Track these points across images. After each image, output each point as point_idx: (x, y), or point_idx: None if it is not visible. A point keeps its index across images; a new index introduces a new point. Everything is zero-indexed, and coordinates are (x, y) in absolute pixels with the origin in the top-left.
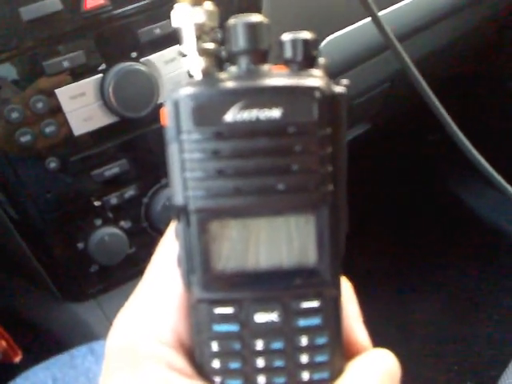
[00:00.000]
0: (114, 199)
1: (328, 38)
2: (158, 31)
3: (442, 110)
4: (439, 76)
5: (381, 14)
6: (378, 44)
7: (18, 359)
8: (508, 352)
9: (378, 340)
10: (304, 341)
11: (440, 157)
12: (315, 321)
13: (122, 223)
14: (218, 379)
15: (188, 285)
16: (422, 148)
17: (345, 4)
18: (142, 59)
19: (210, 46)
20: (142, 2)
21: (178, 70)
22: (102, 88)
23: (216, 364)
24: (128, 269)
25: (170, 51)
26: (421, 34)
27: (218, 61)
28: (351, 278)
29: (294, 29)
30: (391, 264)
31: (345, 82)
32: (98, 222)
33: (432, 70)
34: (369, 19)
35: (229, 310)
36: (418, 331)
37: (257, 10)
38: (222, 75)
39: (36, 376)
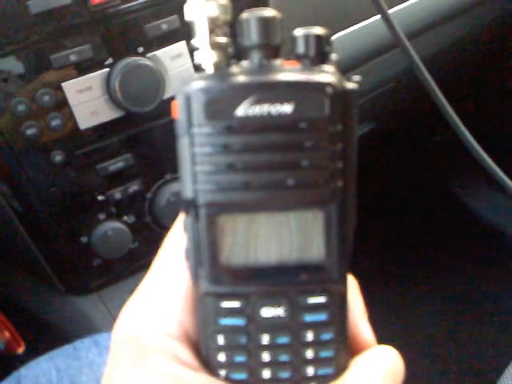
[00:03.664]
0: (117, 194)
1: (334, 37)
2: (164, 27)
3: (449, 109)
4: (446, 75)
5: (389, 11)
6: (384, 43)
7: (20, 350)
8: (508, 354)
9: (377, 340)
10: (310, 336)
11: (442, 158)
12: (321, 316)
13: (126, 218)
14: (223, 372)
15: (195, 278)
16: (425, 149)
17: (351, 2)
18: (149, 54)
19: (223, 39)
20: None
21: (184, 65)
22: (108, 82)
23: (221, 357)
24: (130, 263)
25: (177, 47)
26: (429, 33)
27: (230, 55)
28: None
29: (301, 25)
30: (391, 265)
31: (356, 78)
32: (102, 216)
33: (439, 69)
34: (375, 18)
35: (236, 304)
36: (417, 332)
37: (263, 6)
38: (234, 69)
39: (40, 367)
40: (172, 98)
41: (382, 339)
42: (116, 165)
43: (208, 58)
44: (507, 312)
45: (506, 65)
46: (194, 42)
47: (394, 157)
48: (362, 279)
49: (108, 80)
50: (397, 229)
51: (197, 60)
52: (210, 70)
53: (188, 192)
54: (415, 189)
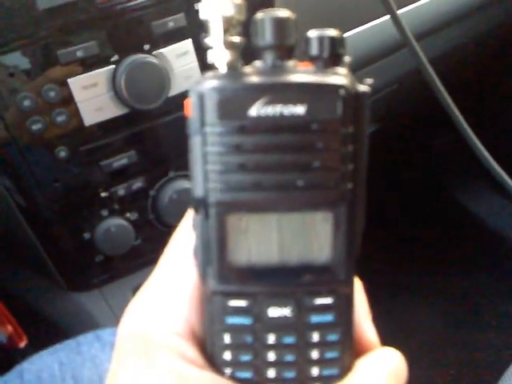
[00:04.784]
0: (121, 190)
1: None
2: (171, 24)
3: (456, 111)
4: (451, 76)
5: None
6: (389, 44)
7: (23, 344)
8: (506, 357)
9: None
10: (315, 337)
11: (443, 160)
12: (328, 317)
13: (129, 215)
14: (228, 371)
15: (203, 276)
16: (427, 151)
17: (358, 3)
18: (155, 52)
19: (237, 39)
20: None
21: (190, 63)
22: (113, 79)
23: (227, 356)
24: (132, 260)
25: (183, 45)
26: (435, 35)
27: (243, 54)
28: None
29: (308, 25)
30: (392, 267)
31: (369, 81)
32: (105, 212)
33: (444, 71)
34: (379, 20)
35: (243, 303)
36: (416, 334)
37: (270, 5)
38: (248, 69)
39: (42, 361)
40: (177, 96)
41: (381, 341)
42: (120, 161)
43: (222, 58)
44: (506, 316)
45: (511, 68)
46: (207, 40)
47: (395, 159)
48: (362, 281)
49: (114, 77)
50: (397, 231)
51: (210, 59)
52: (223, 69)
53: (199, 190)
54: (416, 191)
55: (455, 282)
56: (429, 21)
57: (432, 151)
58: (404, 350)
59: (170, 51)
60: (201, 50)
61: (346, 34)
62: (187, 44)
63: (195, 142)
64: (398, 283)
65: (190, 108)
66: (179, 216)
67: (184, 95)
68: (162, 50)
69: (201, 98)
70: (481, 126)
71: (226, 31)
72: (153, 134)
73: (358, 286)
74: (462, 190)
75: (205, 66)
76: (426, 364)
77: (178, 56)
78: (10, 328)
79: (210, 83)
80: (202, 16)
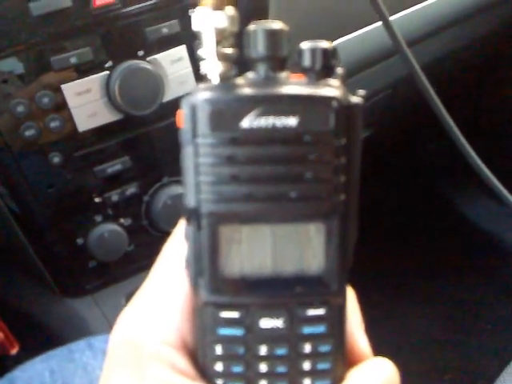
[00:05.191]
0: (115, 196)
1: (333, 43)
2: (165, 31)
3: (447, 117)
4: (444, 82)
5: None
6: (381, 51)
7: (14, 351)
8: (501, 361)
9: (371, 346)
10: (307, 348)
11: (438, 166)
12: (320, 329)
13: (122, 220)
14: (220, 382)
15: (195, 287)
16: (421, 156)
17: (350, 9)
18: (149, 58)
19: (229, 50)
20: (151, 2)
21: (184, 69)
22: (107, 85)
23: (219, 367)
24: (126, 266)
25: (177, 51)
26: (427, 40)
27: (236, 66)
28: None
29: (301, 33)
30: (387, 271)
31: (361, 92)
32: (99, 218)
33: (437, 77)
34: (373, 26)
35: (235, 315)
36: (411, 339)
37: (263, 14)
38: (240, 81)
39: (34, 368)
40: (171, 102)
41: (376, 345)
42: (114, 167)
43: (214, 69)
44: (501, 320)
45: (505, 73)
46: (200, 52)
47: (389, 164)
48: (357, 284)
49: (107, 83)
50: (393, 236)
51: (203, 70)
52: (215, 80)
53: (191, 201)
54: (411, 196)
55: (450, 286)
56: (423, 26)
57: (427, 155)
58: (399, 355)
59: (164, 57)
60: (195, 56)
61: (340, 40)
62: (181, 50)
63: (187, 153)
64: (393, 287)
65: (182, 119)
66: (173, 222)
67: (178, 101)
68: (156, 56)
69: (193, 110)
70: (477, 130)
71: (218, 43)
72: (147, 139)
73: (350, 295)
74: (457, 195)
75: (199, 72)
76: (421, 368)
77: (172, 62)
78: (1, 335)
79: (202, 95)
80: (195, 28)
